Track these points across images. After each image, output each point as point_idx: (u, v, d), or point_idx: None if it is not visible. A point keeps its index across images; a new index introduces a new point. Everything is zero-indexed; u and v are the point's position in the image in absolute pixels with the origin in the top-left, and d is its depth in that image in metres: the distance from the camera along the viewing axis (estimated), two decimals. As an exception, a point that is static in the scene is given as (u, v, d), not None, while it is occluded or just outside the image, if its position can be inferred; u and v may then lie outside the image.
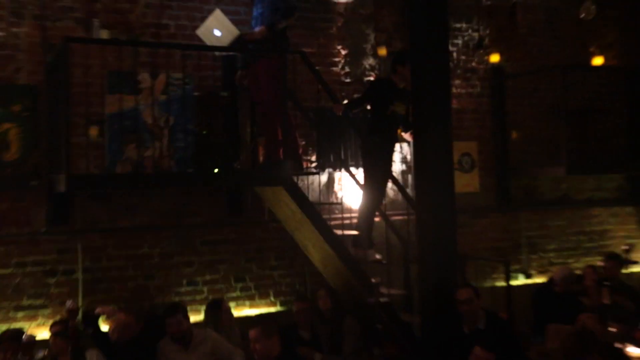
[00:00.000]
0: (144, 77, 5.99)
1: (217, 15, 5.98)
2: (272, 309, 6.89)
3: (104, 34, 6.18)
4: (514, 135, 8.35)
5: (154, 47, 6.14)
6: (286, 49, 6.00)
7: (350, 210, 6.98)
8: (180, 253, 6.63)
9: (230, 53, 6.23)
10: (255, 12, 6.08)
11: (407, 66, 5.99)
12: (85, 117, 5.72)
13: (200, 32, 5.99)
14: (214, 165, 6.01)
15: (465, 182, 8.03)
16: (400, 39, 7.92)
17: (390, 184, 6.99)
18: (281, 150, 5.88)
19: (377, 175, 6.11)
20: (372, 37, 7.77)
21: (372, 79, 7.55)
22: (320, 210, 6.08)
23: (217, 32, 5.92)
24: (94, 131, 6.00)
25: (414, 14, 5.62)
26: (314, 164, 7.10)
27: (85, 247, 6.23)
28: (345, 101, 7.17)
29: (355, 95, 7.17)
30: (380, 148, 6.12)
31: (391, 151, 6.26)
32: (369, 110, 6.31)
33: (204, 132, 6.16)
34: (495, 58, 8.43)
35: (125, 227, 6.40)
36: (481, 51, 8.31)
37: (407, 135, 6.38)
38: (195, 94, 6.20)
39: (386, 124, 6.13)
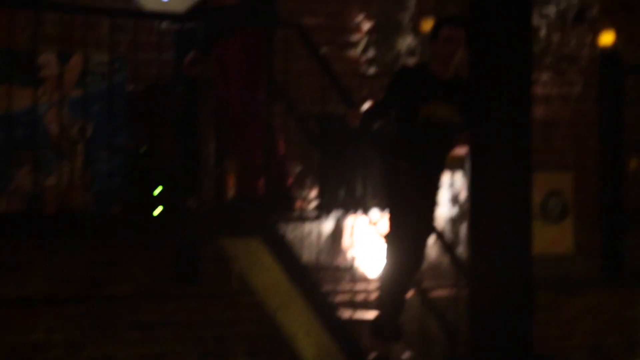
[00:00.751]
0: (48, 59, 5.98)
1: None
2: None
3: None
4: (634, 165, 8.31)
5: (66, 10, 6.12)
6: (273, 19, 6.03)
7: (367, 279, 6.99)
8: (95, 342, 6.62)
9: (187, 24, 6.24)
10: None
11: (439, 37, 5.95)
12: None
13: None
14: (154, 203, 6.03)
15: (552, 239, 8.04)
16: (456, 5, 7.88)
17: (431, 239, 6.94)
18: (261, 181, 5.90)
19: (407, 222, 6.07)
20: (412, 2, 7.77)
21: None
22: (320, 279, 6.09)
23: None
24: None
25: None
26: (313, 204, 7.11)
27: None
28: (367, 105, 7.14)
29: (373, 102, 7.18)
30: (410, 178, 6.07)
31: (430, 184, 6.21)
32: (395, 117, 6.30)
33: (142, 150, 6.17)
34: (607, 39, 8.43)
35: (8, 299, 6.38)
36: (585, 27, 8.31)
37: (461, 150, 6.31)
38: (130, 88, 6.21)
39: (419, 138, 6.08)
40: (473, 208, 5.59)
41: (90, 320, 6.63)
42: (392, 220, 6.09)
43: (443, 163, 6.24)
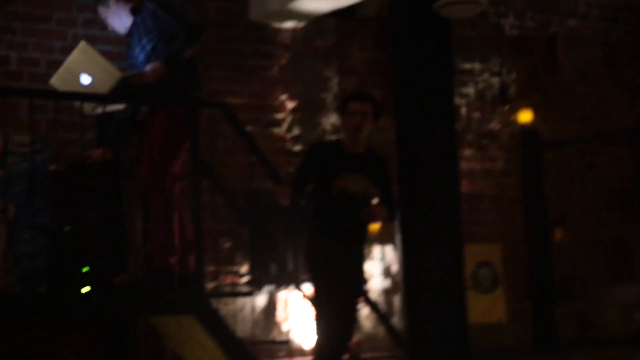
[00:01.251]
0: (-33, 141, 5.92)
1: (84, 50, 6.06)
2: None
3: None
4: (559, 235, 8.41)
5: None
6: (197, 99, 6.06)
7: (303, 352, 6.99)
8: None
9: (112, 105, 6.23)
10: (138, 48, 6.24)
11: (347, 111, 5.99)
12: None
13: (59, 78, 6.07)
14: (81, 282, 5.94)
15: (484, 308, 8.07)
16: (378, 85, 8.02)
17: (364, 309, 6.92)
18: (191, 258, 5.92)
19: (331, 294, 6.02)
20: (334, 82, 7.87)
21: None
22: (256, 353, 6.07)
23: (85, 78, 6.05)
24: None
25: (399, 46, 5.73)
26: (244, 279, 7.05)
27: None
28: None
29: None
30: (329, 250, 6.04)
31: (351, 256, 6.18)
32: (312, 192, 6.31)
33: (66, 229, 6.12)
34: (526, 117, 8.60)
35: None
36: (505, 106, 8.47)
37: (378, 220, 6.32)
38: (52, 167, 6.15)
39: (335, 210, 6.08)
40: (405, 281, 5.60)
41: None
42: (317, 293, 6.07)
43: (364, 233, 6.21)
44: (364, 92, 6.39)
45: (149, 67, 6.09)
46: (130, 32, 6.33)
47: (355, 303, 6.18)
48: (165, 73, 6.03)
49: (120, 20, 6.28)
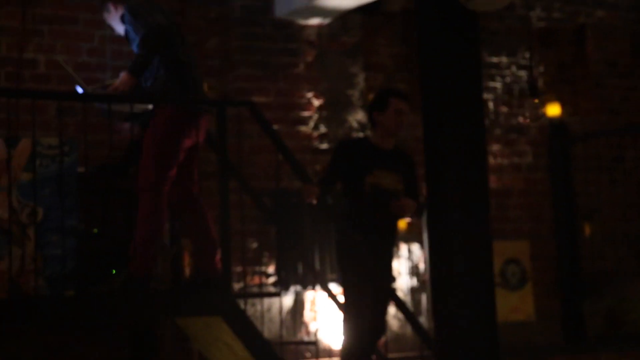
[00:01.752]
0: (-5, 144, 5.94)
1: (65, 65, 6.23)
2: None
3: None
4: (588, 230, 8.35)
5: (12, 96, 6.11)
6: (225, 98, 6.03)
7: (330, 352, 6.96)
8: None
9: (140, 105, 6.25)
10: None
11: (389, 108, 6.06)
12: None
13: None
14: (109, 284, 5.96)
15: (513, 306, 8.05)
16: (405, 82, 8.00)
17: (393, 310, 6.90)
18: (217, 258, 5.89)
19: (364, 292, 6.05)
20: (361, 78, 7.84)
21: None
22: (283, 354, 6.08)
23: (79, 89, 6.17)
24: None
25: (426, 41, 5.69)
26: (271, 279, 7.03)
27: None
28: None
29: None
30: (363, 247, 6.07)
31: (384, 251, 6.22)
32: (342, 190, 6.34)
33: (95, 231, 6.16)
34: (554, 110, 8.54)
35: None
36: (534, 100, 8.42)
37: (406, 216, 6.37)
38: (81, 170, 6.15)
39: (367, 207, 6.11)
40: (432, 279, 5.56)
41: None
42: (349, 291, 6.10)
43: (394, 229, 6.32)
44: (399, 89, 6.45)
45: (119, 78, 6.04)
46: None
47: (386, 302, 6.22)
48: (133, 82, 5.93)
49: (120, 26, 6.26)
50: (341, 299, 6.32)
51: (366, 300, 6.01)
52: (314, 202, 6.16)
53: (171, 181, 5.93)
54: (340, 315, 6.43)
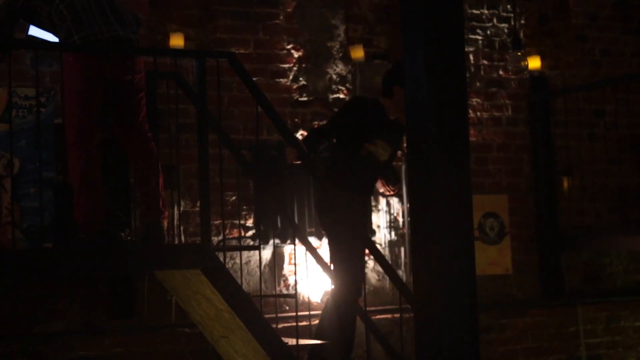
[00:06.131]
0: (-30, 93, 5.89)
1: None
2: None
3: None
4: (567, 185, 8.37)
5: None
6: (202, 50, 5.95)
7: (309, 305, 6.94)
8: (31, 380, 6.55)
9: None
10: None
11: (400, 94, 6.11)
12: None
13: None
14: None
15: (491, 259, 8.05)
16: (386, 34, 7.95)
17: (371, 263, 6.95)
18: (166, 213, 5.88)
19: (353, 248, 6.13)
20: (341, 30, 7.80)
21: (348, 97, 7.64)
22: (261, 307, 6.07)
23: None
24: None
25: (407, -7, 5.65)
26: (250, 233, 7.03)
27: None
28: (302, 133, 7.16)
29: (322, 122, 7.26)
30: (350, 207, 6.13)
31: (367, 211, 6.32)
32: (336, 145, 6.35)
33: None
34: (535, 63, 8.51)
35: None
36: (518, 52, 8.40)
37: (383, 189, 6.57)
38: (57, 121, 6.08)
39: (358, 170, 6.17)
40: (413, 233, 5.57)
41: (25, 358, 6.52)
42: (339, 247, 6.21)
43: (372, 192, 6.59)
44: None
45: None
46: None
47: (364, 254, 6.38)
48: None
49: None
50: (323, 252, 6.38)
51: (358, 252, 6.20)
52: (295, 161, 6.23)
53: (97, 122, 5.75)
54: (319, 268, 6.52)
